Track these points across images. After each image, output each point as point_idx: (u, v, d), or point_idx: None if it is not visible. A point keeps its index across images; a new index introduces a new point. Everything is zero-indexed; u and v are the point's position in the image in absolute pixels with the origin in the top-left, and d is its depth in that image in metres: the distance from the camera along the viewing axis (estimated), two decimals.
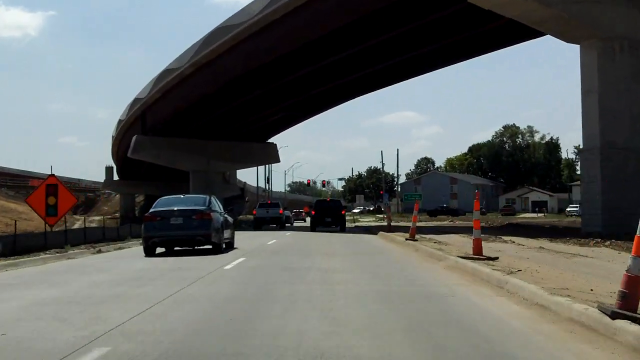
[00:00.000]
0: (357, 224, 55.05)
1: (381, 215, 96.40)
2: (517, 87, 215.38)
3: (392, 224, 46.09)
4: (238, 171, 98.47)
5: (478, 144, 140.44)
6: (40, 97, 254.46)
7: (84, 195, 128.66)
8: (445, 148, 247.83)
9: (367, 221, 65.56)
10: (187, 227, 16.69)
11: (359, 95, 46.00)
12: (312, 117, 50.50)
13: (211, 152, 57.08)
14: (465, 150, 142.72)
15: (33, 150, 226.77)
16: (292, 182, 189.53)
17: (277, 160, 59.47)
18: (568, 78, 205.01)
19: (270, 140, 59.38)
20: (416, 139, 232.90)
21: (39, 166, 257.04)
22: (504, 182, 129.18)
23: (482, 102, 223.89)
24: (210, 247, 17.28)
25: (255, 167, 75.83)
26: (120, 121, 64.58)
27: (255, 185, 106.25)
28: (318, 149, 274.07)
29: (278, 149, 59.73)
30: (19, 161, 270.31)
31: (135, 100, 55.93)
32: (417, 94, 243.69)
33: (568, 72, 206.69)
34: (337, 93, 44.78)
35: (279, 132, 56.89)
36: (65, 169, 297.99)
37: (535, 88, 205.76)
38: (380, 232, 26.91)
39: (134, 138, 56.45)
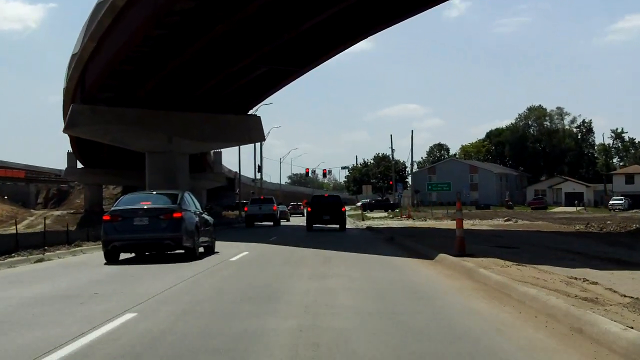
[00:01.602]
0: (368, 223, 40.77)
1: (394, 210, 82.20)
2: (533, 70, 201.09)
3: (419, 225, 31.79)
4: (223, 156, 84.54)
5: (497, 129, 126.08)
6: (40, 89, 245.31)
7: (56, 187, 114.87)
8: (448, 140, 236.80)
9: (380, 218, 51.36)
10: (153, 229, 14.69)
11: (375, 31, 30.90)
12: (306, 72, 35.84)
13: (174, 127, 42.98)
14: (468, 141, 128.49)
15: (33, 143, 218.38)
16: (292, 174, 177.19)
17: (262, 138, 45.30)
18: (597, 53, 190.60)
19: (252, 112, 45.14)
20: (418, 131, 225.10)
21: (40, 160, 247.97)
22: (524, 170, 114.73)
23: (491, 90, 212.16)
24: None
25: (237, 149, 61.08)
26: (63, 90, 50.51)
27: (251, 175, 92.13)
28: (318, 141, 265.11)
29: (264, 127, 45.36)
30: (19, 154, 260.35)
31: (72, 58, 41.70)
32: (418, 85, 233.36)
33: (597, 48, 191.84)
34: (342, 27, 30.16)
35: (263, 99, 42.42)
36: (59, 162, 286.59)
37: (561, 67, 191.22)
38: (442, 256, 12.48)
39: (70, 108, 42.52)
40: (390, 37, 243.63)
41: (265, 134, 44.78)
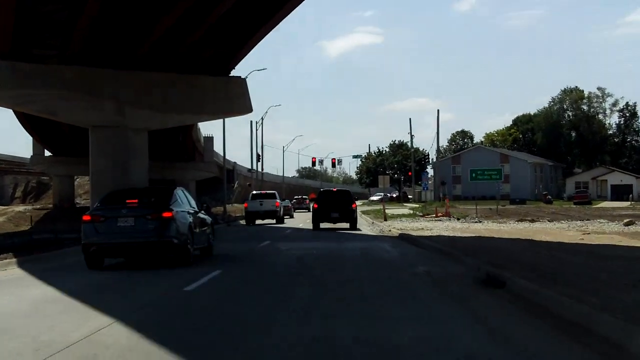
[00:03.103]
0: (396, 225, 28.81)
1: (414, 205, 70.13)
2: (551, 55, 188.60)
3: (483, 230, 20.28)
4: (215, 141, 72.04)
5: (525, 115, 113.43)
6: None
7: (36, 179, 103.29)
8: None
9: (405, 217, 39.44)
10: (139, 231, 13.22)
11: None
12: None
13: (127, 92, 31.38)
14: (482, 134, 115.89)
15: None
16: (301, 168, 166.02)
17: (247, 109, 33.23)
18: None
19: (234, 74, 33.24)
20: (427, 126, 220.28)
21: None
22: (556, 160, 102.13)
23: (501, 85, 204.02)
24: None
25: (222, 128, 48.78)
26: None
27: (248, 166, 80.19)
28: (326, 135, 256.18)
29: (259, 110, 33.44)
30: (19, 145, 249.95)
31: None
32: (427, 79, 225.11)
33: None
34: None
35: (247, 48, 29.80)
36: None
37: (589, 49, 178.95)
38: None
39: None
40: (399, 31, 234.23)
41: (250, 101, 32.67)
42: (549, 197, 76.18)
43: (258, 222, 38.63)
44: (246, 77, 34.49)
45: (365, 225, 33.42)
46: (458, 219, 31.65)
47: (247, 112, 33.30)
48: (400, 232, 22.44)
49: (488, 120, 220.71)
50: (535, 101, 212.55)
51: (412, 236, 19.59)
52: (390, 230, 24.47)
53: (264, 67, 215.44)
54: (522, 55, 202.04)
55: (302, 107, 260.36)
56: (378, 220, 35.26)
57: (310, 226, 30.99)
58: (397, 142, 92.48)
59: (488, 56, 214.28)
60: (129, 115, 31.42)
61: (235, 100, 32.78)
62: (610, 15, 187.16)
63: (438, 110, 67.74)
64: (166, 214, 13.28)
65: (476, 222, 28.56)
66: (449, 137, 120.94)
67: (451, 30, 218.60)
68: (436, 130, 63.57)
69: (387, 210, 52.48)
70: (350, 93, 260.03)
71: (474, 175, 38.57)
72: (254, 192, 43.37)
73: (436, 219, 33.62)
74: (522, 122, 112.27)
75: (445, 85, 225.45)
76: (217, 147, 73.21)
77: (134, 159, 31.94)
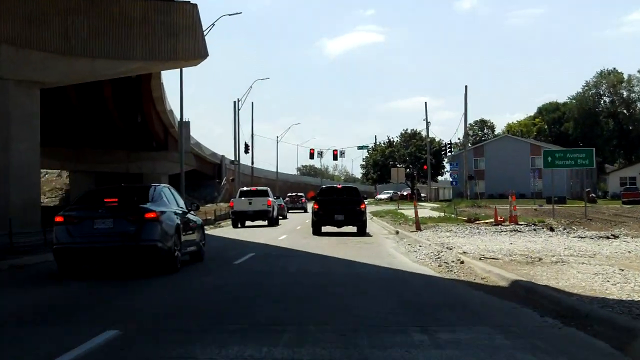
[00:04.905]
0: (442, 239, 16.62)
1: (432, 204, 58.17)
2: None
3: (590, 246, 8.98)
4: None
5: (552, 103, 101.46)
6: None
7: None
8: (461, 133, 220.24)
9: (433, 220, 27.23)
10: (118, 234, 11.84)
11: None
12: None
13: (5, 22, 19.52)
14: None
15: None
16: (302, 166, 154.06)
17: (199, 53, 20.94)
18: None
19: None
20: (431, 124, 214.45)
21: None
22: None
23: (504, 84, 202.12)
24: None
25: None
26: None
27: (234, 159, 67.89)
28: (327, 133, 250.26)
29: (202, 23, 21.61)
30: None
31: None
32: (429, 78, 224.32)
33: None
34: None
35: None
36: None
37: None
38: None
39: None
40: (400, 29, 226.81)
41: (204, 41, 20.63)
42: (593, 195, 64.19)
43: (248, 223, 34.12)
44: (216, 21, 22.41)
45: (388, 239, 21.41)
46: (552, 230, 19.27)
47: (199, 59, 21.23)
48: (507, 274, 9.14)
49: (492, 118, 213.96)
50: (541, 98, 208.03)
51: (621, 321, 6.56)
52: (462, 263, 11.13)
53: (261, 60, 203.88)
54: (525, 53, 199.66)
55: (303, 106, 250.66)
56: (405, 229, 23.21)
57: (294, 240, 21.96)
58: (409, 131, 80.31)
59: (490, 55, 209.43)
60: (9, 60, 19.56)
61: (180, 38, 20.71)
62: (610, 14, 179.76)
63: (466, 87, 56.56)
64: (149, 215, 11.92)
65: (604, 237, 16.26)
66: (468, 126, 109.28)
67: (452, 29, 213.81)
68: (464, 112, 51.54)
69: (404, 212, 40.49)
70: (351, 92, 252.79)
71: (549, 159, 26.63)
72: (243, 188, 38.02)
73: (505, 227, 21.32)
74: (549, 111, 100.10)
75: (448, 84, 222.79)
76: (197, 135, 61.31)
77: (16, 131, 20.01)
